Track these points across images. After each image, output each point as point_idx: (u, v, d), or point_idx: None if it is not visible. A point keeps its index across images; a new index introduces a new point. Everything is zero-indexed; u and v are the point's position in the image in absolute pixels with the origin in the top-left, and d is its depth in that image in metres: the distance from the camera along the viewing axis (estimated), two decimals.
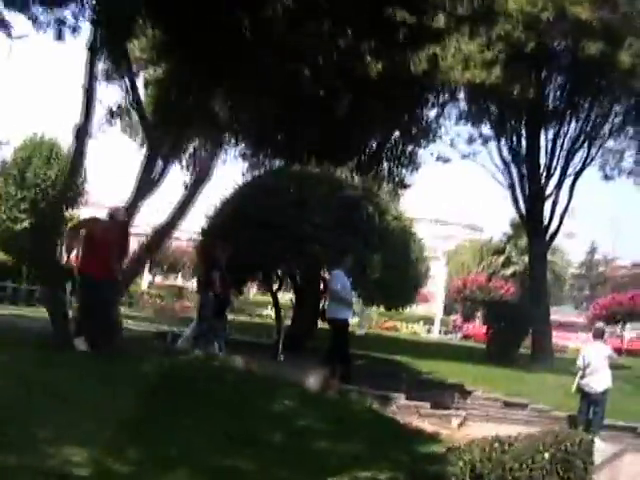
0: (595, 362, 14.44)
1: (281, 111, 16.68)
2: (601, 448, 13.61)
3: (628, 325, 47.74)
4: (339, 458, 8.97)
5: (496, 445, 9.11)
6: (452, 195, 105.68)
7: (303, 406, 10.89)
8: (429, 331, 47.50)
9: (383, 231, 14.10)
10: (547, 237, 25.80)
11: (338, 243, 13.28)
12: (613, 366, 23.13)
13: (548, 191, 25.51)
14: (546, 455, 9.37)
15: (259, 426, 9.37)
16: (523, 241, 43.01)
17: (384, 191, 15.32)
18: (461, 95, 24.26)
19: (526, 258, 37.66)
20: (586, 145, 24.79)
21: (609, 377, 14.47)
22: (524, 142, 25.07)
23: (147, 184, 12.19)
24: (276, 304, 15.63)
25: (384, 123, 19.17)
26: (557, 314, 49.73)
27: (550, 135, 25.05)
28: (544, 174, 25.14)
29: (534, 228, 25.80)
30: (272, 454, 8.56)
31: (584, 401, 14.46)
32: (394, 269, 13.90)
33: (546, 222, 25.45)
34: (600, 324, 17.37)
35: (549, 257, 47.81)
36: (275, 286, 15.67)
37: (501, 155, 25.48)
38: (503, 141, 25.33)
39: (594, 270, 79.87)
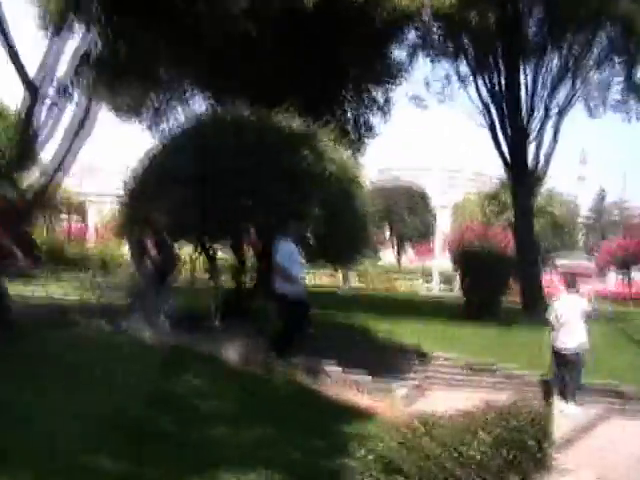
0: (568, 317, 12.74)
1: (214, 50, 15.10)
2: (576, 414, 12.16)
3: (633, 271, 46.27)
4: (236, 449, 7.52)
5: (419, 429, 7.51)
6: (460, 145, 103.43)
7: (213, 384, 9.43)
8: (427, 282, 45.66)
9: (321, 179, 12.32)
10: (532, 180, 24.02)
11: (266, 194, 11.60)
12: (611, 318, 21.80)
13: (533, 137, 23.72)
14: (484, 437, 7.79)
15: (148, 412, 7.90)
16: None
17: (329, 133, 13.42)
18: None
19: None
20: (570, 78, 22.90)
21: (585, 334, 12.74)
22: (503, 79, 23.06)
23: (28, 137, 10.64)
24: (212, 266, 13.99)
25: (336, 59, 17.52)
26: (567, 261, 48.14)
27: (531, 70, 23.15)
28: (526, 113, 23.24)
29: (518, 172, 23.94)
30: (154, 447, 7.10)
31: (557, 362, 12.83)
32: (335, 222, 12.10)
33: (531, 165, 23.67)
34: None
35: (546, 205, 46.40)
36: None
37: (479, 94, 23.59)
38: (481, 80, 23.42)
39: (605, 215, 78.27)
